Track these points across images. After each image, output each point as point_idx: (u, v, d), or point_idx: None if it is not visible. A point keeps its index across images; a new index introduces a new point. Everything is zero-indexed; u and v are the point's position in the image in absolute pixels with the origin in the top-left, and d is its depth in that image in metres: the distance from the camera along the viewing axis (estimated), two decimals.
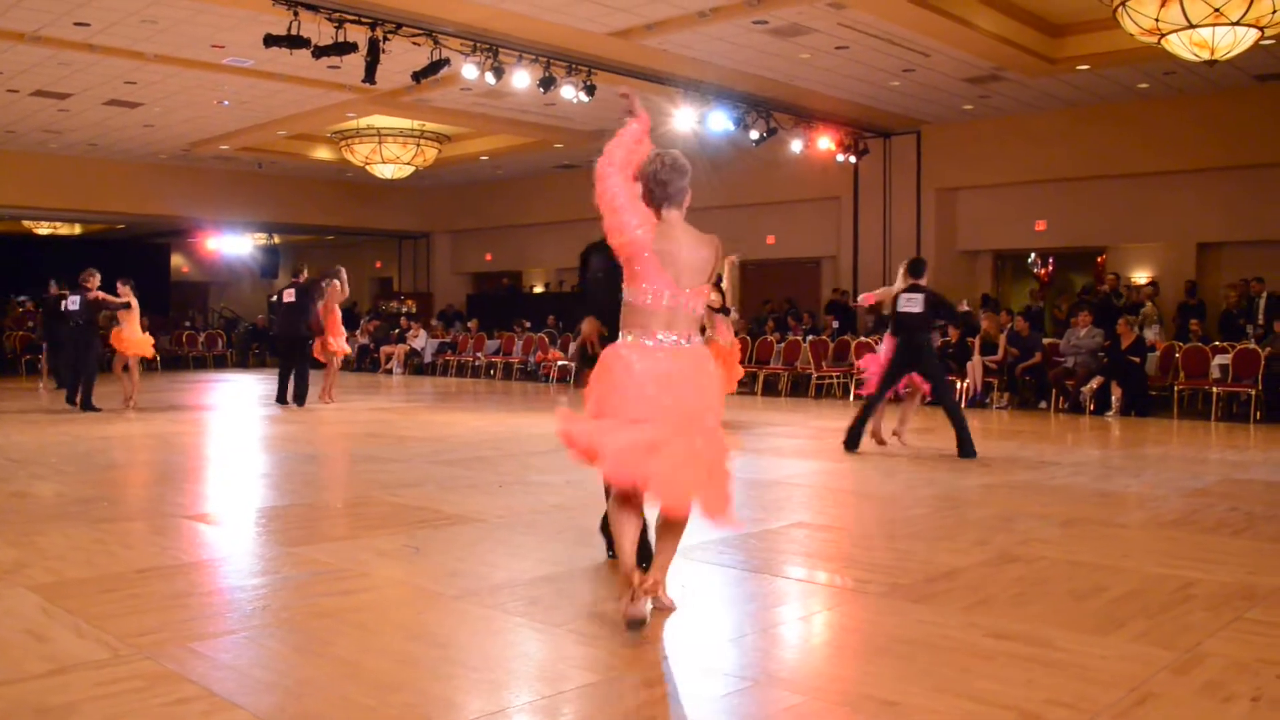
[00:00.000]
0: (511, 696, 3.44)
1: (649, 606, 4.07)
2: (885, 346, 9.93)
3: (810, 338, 17.62)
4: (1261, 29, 10.15)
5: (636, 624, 3.97)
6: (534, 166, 23.09)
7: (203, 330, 26.71)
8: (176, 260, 31.61)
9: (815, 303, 20.43)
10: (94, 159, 21.45)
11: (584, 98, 13.93)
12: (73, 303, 13.38)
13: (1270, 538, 5.97)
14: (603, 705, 3.39)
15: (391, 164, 20.31)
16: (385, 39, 12.04)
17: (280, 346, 14.85)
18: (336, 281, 14.35)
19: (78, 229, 28.64)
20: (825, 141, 17.41)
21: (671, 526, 4.13)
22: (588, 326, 4.99)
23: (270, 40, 11.45)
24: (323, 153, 21.88)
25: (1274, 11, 9.88)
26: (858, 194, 19.21)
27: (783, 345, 17.65)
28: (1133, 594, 4.64)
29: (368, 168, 20.60)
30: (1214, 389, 13.53)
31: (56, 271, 16.77)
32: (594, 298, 4.98)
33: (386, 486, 7.56)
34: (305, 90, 16.12)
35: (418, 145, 20.19)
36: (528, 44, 13.14)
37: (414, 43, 12.45)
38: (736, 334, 13.11)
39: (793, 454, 9.64)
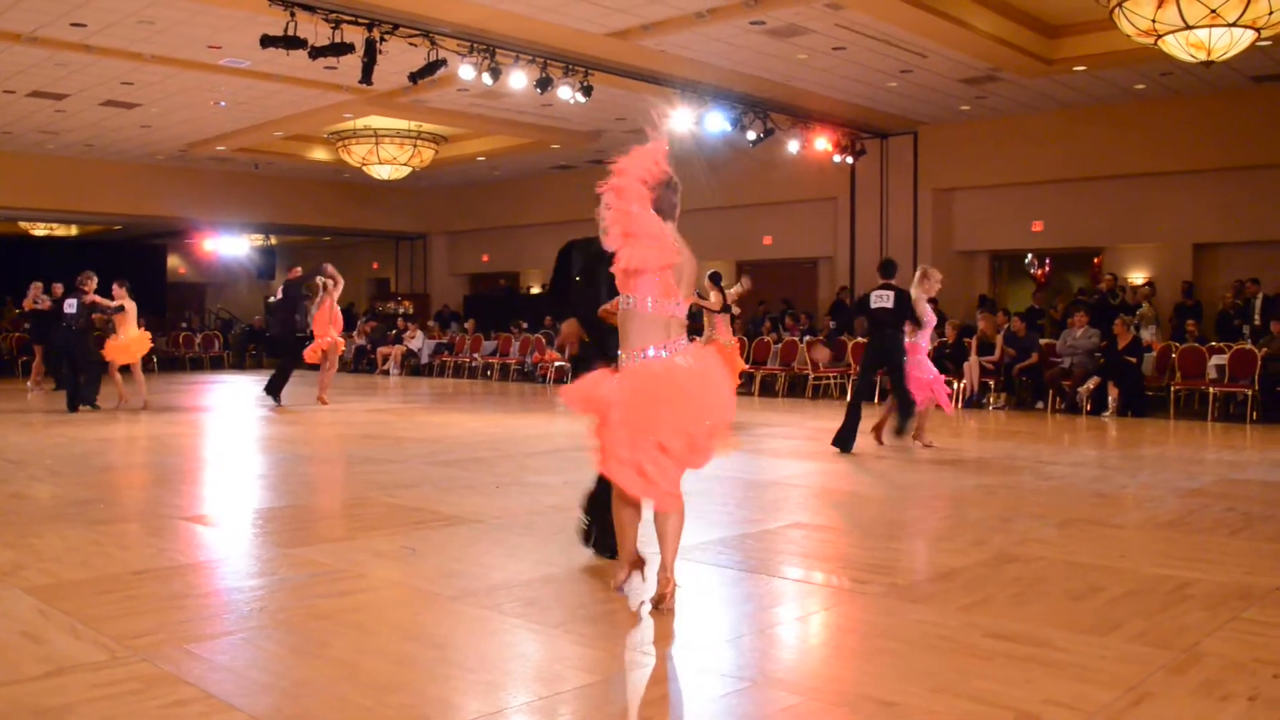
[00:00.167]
0: (509, 697, 3.44)
1: (630, 586, 4.57)
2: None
3: (808, 338, 17.62)
4: (1258, 30, 10.16)
5: (617, 588, 4.54)
6: (531, 167, 23.09)
7: (199, 331, 26.68)
8: (173, 261, 31.58)
9: (813, 303, 20.45)
10: (91, 160, 21.43)
11: (581, 98, 13.93)
12: (70, 305, 13.39)
13: (1267, 538, 5.97)
14: (600, 706, 3.39)
15: (388, 165, 20.29)
16: (382, 40, 12.03)
17: (274, 344, 15.04)
18: (326, 280, 14.34)
19: (74, 230, 28.61)
20: (822, 142, 17.42)
21: (666, 523, 4.34)
22: (568, 328, 5.10)
23: (267, 41, 11.44)
24: (319, 154, 21.87)
25: (1270, 13, 9.89)
26: (854, 195, 19.22)
27: (780, 346, 17.65)
28: (1130, 594, 4.64)
29: (364, 168, 20.59)
30: (1210, 389, 13.54)
31: (54, 273, 16.71)
32: (573, 300, 5.08)
33: (383, 487, 7.56)
34: (302, 91, 16.11)
35: (414, 146, 20.18)
36: (525, 44, 13.13)
37: (411, 43, 12.44)
38: (735, 333, 13.10)
39: (790, 455, 9.64)
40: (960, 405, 14.47)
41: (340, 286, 14.58)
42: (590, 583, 4.90)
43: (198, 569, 5.21)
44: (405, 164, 20.42)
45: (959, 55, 13.72)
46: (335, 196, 25.01)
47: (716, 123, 15.66)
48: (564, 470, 8.24)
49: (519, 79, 13.24)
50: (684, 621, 4.34)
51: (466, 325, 23.88)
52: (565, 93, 13.82)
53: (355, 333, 24.09)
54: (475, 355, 22.27)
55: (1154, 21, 10.14)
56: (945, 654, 3.80)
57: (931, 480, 8.20)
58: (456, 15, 12.17)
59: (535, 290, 26.25)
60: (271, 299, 15.47)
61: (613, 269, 4.28)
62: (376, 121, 19.13)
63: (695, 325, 11.85)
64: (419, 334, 23.66)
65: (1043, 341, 15.09)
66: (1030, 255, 18.00)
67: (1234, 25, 9.98)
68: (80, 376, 13.34)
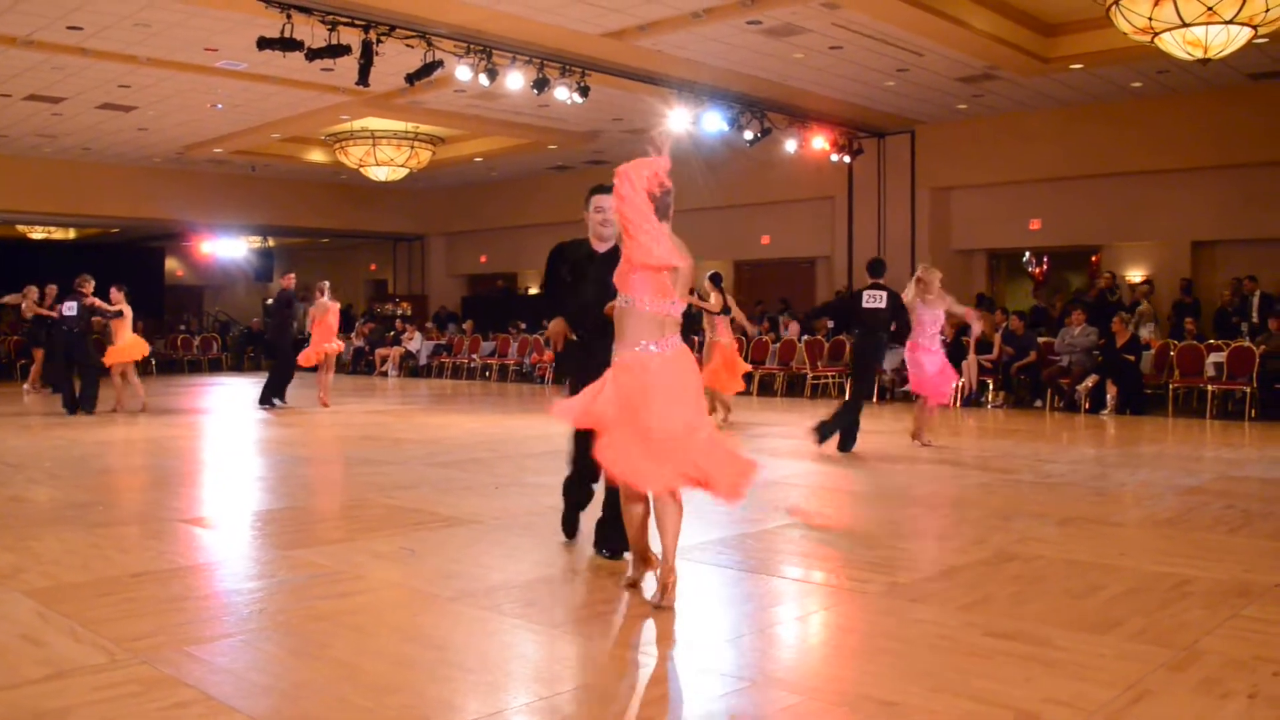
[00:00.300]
0: (509, 698, 3.43)
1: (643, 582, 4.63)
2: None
3: (805, 338, 17.63)
4: (1255, 27, 10.16)
5: (629, 586, 4.65)
6: (528, 168, 23.09)
7: (197, 334, 26.67)
8: (171, 264, 31.55)
9: (810, 303, 20.44)
10: (88, 163, 21.42)
11: (578, 99, 13.92)
12: (69, 309, 13.38)
13: (1266, 535, 5.98)
14: (600, 706, 3.39)
15: (385, 166, 20.28)
16: (378, 41, 12.03)
17: (269, 349, 15.23)
18: (319, 295, 14.38)
19: (72, 233, 28.61)
20: (819, 141, 17.42)
21: (667, 508, 4.43)
22: (555, 326, 5.26)
23: (263, 43, 11.43)
24: (317, 155, 21.86)
25: (1267, 10, 9.88)
26: (852, 194, 19.22)
27: (778, 345, 17.66)
28: (1130, 592, 4.65)
29: (362, 170, 20.58)
30: (1209, 387, 13.55)
31: (52, 276, 16.68)
32: (561, 300, 5.29)
33: (382, 489, 7.55)
34: (299, 93, 16.11)
35: (412, 147, 20.17)
36: (521, 45, 13.13)
37: (407, 45, 12.44)
38: (744, 334, 13.12)
39: (789, 454, 9.63)
40: (959, 404, 14.47)
41: (325, 302, 14.51)
42: (590, 583, 4.90)
43: (197, 571, 5.21)
44: (402, 165, 20.42)
45: (956, 54, 13.72)
46: (333, 198, 25.00)
47: (713, 122, 15.65)
48: (562, 471, 8.18)
49: (516, 80, 13.24)
50: (684, 621, 4.34)
51: (465, 326, 23.88)
52: (562, 93, 13.82)
53: (353, 334, 24.09)
54: (473, 356, 22.27)
55: (1151, 19, 10.14)
56: (945, 653, 3.80)
57: (931, 479, 8.20)
58: (453, 16, 12.17)
59: (534, 291, 26.24)
60: (269, 301, 15.50)
61: (619, 266, 4.41)
62: (374, 123, 19.13)
63: (694, 326, 11.82)
64: (417, 335, 23.66)
65: (1041, 340, 15.09)
66: (1028, 253, 18.02)
67: (1230, 23, 9.98)
68: (77, 379, 13.33)
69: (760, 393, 17.07)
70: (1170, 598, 4.54)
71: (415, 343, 23.45)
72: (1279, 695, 3.40)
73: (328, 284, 14.68)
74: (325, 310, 14.30)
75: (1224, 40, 10.27)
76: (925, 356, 9.93)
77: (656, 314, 4.39)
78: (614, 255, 4.80)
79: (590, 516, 5.81)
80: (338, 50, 11.58)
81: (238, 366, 25.66)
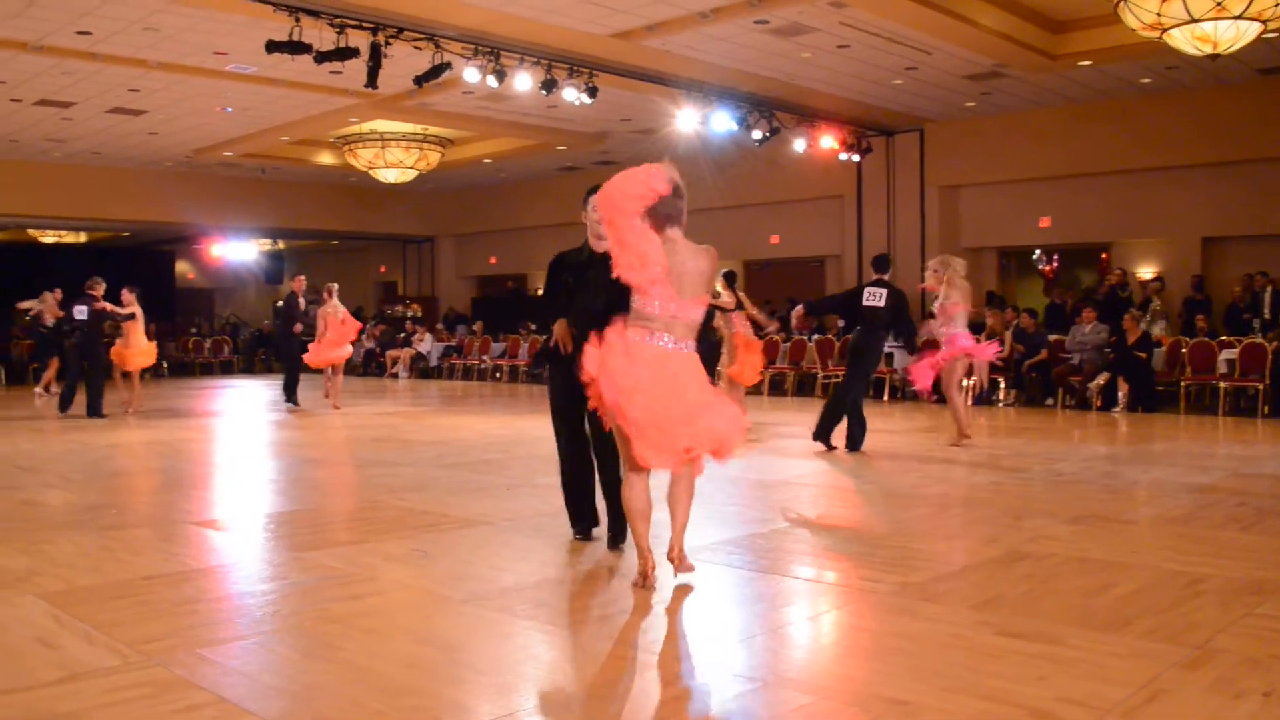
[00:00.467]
0: (521, 699, 3.44)
1: (655, 581, 4.69)
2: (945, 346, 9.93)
3: (816, 337, 17.61)
4: (1264, 22, 10.12)
5: (639, 585, 4.66)
6: (537, 169, 23.10)
7: (209, 337, 26.75)
8: (181, 267, 31.64)
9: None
10: (98, 167, 21.49)
11: (586, 100, 13.92)
12: (80, 312, 13.43)
13: (1279, 532, 5.95)
14: (612, 708, 3.39)
15: (395, 168, 20.31)
16: (387, 44, 12.05)
17: (277, 350, 15.41)
18: (328, 297, 14.43)
19: (83, 237, 28.70)
20: (828, 140, 17.39)
21: (679, 486, 4.74)
22: (560, 329, 5.41)
23: (272, 46, 11.45)
24: (326, 158, 21.90)
25: (1276, 5, 9.84)
26: (861, 193, 19.19)
27: (789, 345, 17.64)
28: (1142, 590, 4.63)
29: (371, 172, 20.62)
30: (1221, 384, 13.50)
31: (63, 280, 16.75)
32: (563, 304, 5.44)
33: (393, 491, 7.57)
34: (308, 96, 16.14)
35: (420, 149, 20.20)
36: (529, 47, 13.14)
37: (415, 47, 12.45)
38: (762, 334, 13.10)
39: (800, 454, 9.62)
40: (970, 401, 14.43)
41: (329, 305, 14.54)
42: (601, 584, 4.90)
43: (209, 574, 5.22)
44: (411, 167, 20.45)
45: (964, 52, 13.69)
46: (342, 200, 25.04)
47: (722, 122, 15.64)
48: None
49: (524, 81, 13.25)
50: (696, 622, 4.34)
51: (475, 328, 23.89)
52: (570, 94, 13.82)
53: (364, 336, 24.13)
54: (484, 357, 22.30)
55: (1159, 15, 10.10)
56: (957, 652, 3.79)
57: (941, 478, 8.19)
58: (461, 18, 12.18)
59: (543, 292, 26.20)
60: (279, 303, 15.58)
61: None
62: (382, 125, 19.16)
63: (707, 324, 11.72)
64: (427, 337, 23.70)
65: (1052, 337, 15.05)
66: (1038, 251, 17.97)
67: (1240, 18, 9.93)
68: (81, 381, 13.40)
69: (771, 392, 17.06)
70: (1183, 596, 4.53)
71: (425, 344, 23.48)
72: None
73: (336, 286, 14.72)
74: (333, 312, 14.33)
75: (1233, 35, 10.23)
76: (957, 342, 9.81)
77: (662, 316, 4.53)
78: (605, 256, 4.87)
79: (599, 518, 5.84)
80: (346, 53, 11.60)
81: (249, 369, 25.74)
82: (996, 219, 18.31)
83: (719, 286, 12.02)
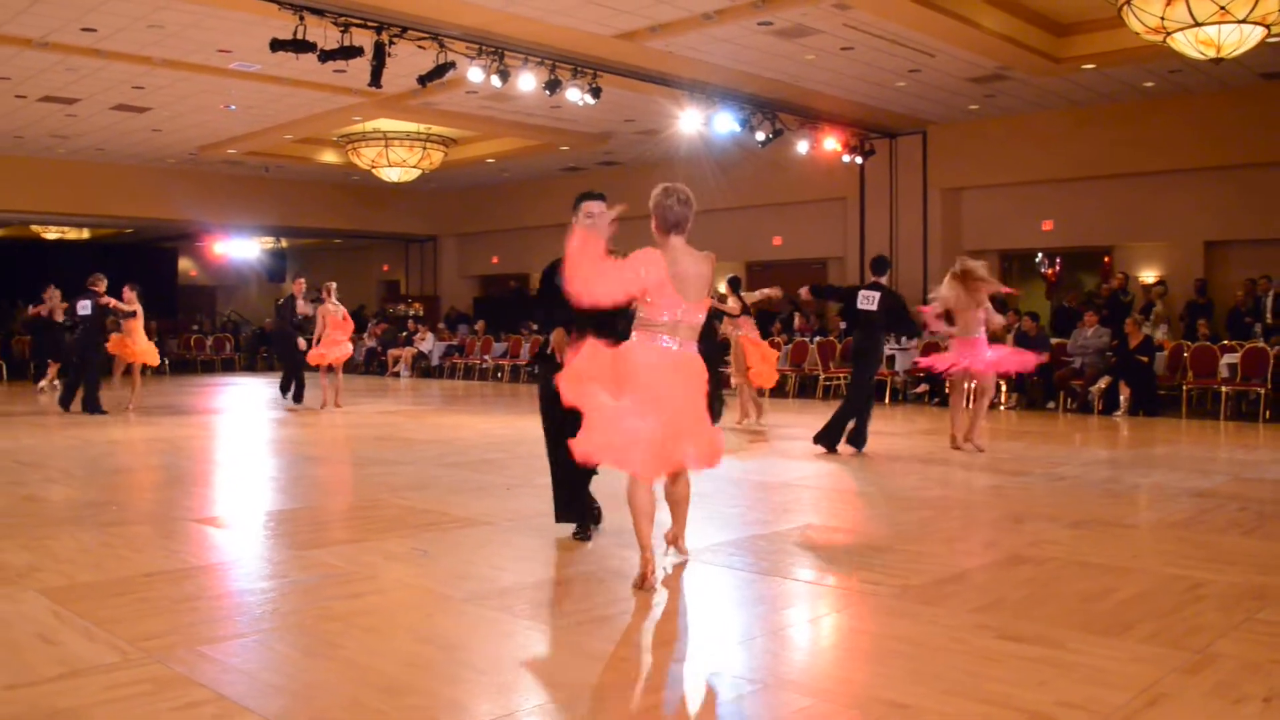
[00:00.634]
0: (520, 699, 3.44)
1: (657, 582, 4.76)
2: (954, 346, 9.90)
3: (817, 339, 17.61)
4: (1268, 27, 10.11)
5: (642, 588, 4.69)
6: (540, 169, 23.11)
7: (210, 334, 26.77)
8: (184, 264, 31.67)
9: (822, 304, 20.40)
10: (102, 164, 21.50)
11: (589, 100, 13.92)
12: (83, 307, 13.44)
13: None
14: (612, 708, 3.39)
15: (398, 167, 20.32)
16: (391, 43, 12.05)
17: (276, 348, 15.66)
18: (326, 296, 14.45)
19: (86, 233, 28.72)
20: (831, 142, 17.39)
21: (677, 486, 4.96)
22: (558, 338, 5.50)
23: (276, 45, 11.45)
24: (329, 156, 21.91)
25: None
26: (864, 195, 19.19)
27: (790, 346, 17.63)
28: (1143, 595, 4.63)
29: (374, 171, 20.63)
30: (1223, 388, 13.49)
31: (66, 276, 16.76)
32: (559, 313, 5.47)
33: (394, 489, 7.57)
34: (311, 94, 16.15)
35: (424, 148, 20.21)
36: (533, 47, 13.14)
37: (420, 46, 12.46)
38: (770, 336, 13.15)
39: (801, 456, 9.62)
40: (969, 405, 14.41)
41: (328, 304, 14.55)
42: (602, 584, 4.90)
43: (210, 571, 5.23)
44: (415, 166, 20.45)
45: (967, 54, 13.69)
46: (345, 199, 25.05)
47: (725, 124, 15.64)
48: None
49: (528, 81, 13.25)
50: (696, 623, 4.34)
51: (476, 327, 23.89)
52: (574, 94, 13.82)
53: (366, 335, 24.14)
54: (485, 357, 22.30)
55: (1163, 19, 10.10)
56: (958, 656, 3.79)
57: (942, 481, 8.19)
58: (465, 18, 12.18)
59: (538, 294, 26.16)
60: (280, 301, 15.60)
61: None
62: (386, 124, 19.17)
63: (710, 328, 11.66)
64: (429, 336, 23.70)
65: (1054, 341, 15.04)
66: (1041, 254, 17.95)
67: (1243, 22, 9.93)
68: (83, 377, 13.41)
69: (773, 394, 17.02)
70: (1184, 600, 4.53)
71: (427, 343, 23.49)
72: None
73: (334, 285, 14.71)
74: (333, 311, 14.32)
75: (1237, 40, 10.22)
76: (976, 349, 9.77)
77: (684, 321, 4.75)
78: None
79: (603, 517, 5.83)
80: (350, 52, 11.60)
81: (250, 367, 25.74)
82: (999, 222, 18.30)
83: (724, 291, 12.04)
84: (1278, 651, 3.84)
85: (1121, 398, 13.60)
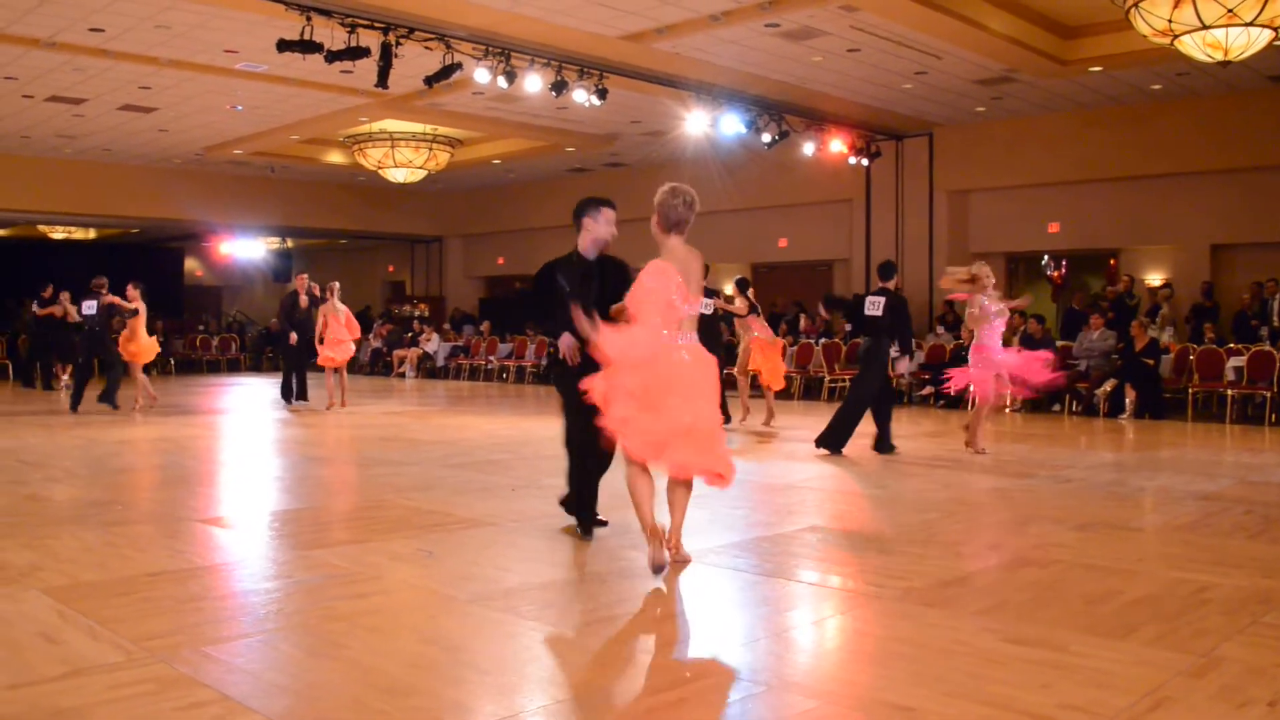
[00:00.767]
0: (524, 701, 3.43)
1: (668, 557, 4.95)
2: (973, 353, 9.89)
3: (823, 341, 17.59)
4: (1276, 30, 10.09)
5: (659, 569, 4.84)
6: (546, 170, 23.13)
7: (216, 334, 26.81)
8: (190, 264, 31.74)
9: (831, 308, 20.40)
10: (108, 164, 21.56)
11: (596, 101, 13.93)
12: (89, 307, 13.50)
13: None
14: (616, 710, 3.38)
15: (404, 168, 20.34)
16: (398, 44, 12.07)
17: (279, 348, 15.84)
18: (329, 296, 14.47)
19: (92, 233, 28.79)
20: (837, 144, 17.38)
21: (679, 489, 5.03)
22: (567, 344, 5.61)
23: (283, 45, 11.48)
24: (335, 157, 21.94)
25: None
26: (870, 196, 19.17)
27: (795, 348, 17.62)
28: (1148, 598, 4.62)
29: (380, 172, 20.65)
30: (1228, 391, 13.46)
31: (72, 276, 16.81)
32: (563, 315, 5.54)
33: (399, 490, 7.57)
34: (318, 95, 16.18)
35: (430, 149, 20.23)
36: (540, 48, 13.15)
37: (426, 47, 12.47)
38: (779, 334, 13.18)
39: (805, 458, 9.61)
40: (973, 407, 14.39)
41: (329, 300, 14.57)
42: (606, 585, 4.90)
43: (214, 571, 5.23)
44: (421, 167, 20.47)
45: (974, 56, 13.68)
46: (351, 200, 25.09)
47: (731, 125, 15.65)
48: None
49: (534, 82, 13.26)
50: (700, 625, 4.33)
51: (482, 328, 23.91)
52: (580, 96, 13.82)
53: (371, 336, 24.16)
54: (490, 358, 22.31)
55: (1170, 21, 10.09)
56: (961, 658, 3.78)
57: (947, 483, 8.17)
58: (472, 19, 12.19)
59: (535, 294, 26.11)
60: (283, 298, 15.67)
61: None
62: (392, 125, 19.19)
63: (714, 328, 11.60)
64: (434, 337, 23.72)
65: (1059, 344, 15.01)
66: (1047, 257, 17.93)
67: (1251, 25, 9.92)
68: (88, 378, 13.50)
69: (778, 396, 16.99)
70: (1189, 604, 4.51)
71: (433, 344, 23.51)
72: None
73: (337, 285, 14.70)
74: (333, 312, 14.33)
75: (1244, 43, 10.21)
76: (987, 355, 9.76)
77: (689, 314, 5.00)
78: (598, 263, 5.71)
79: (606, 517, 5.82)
80: (357, 52, 11.62)
81: (256, 367, 25.79)
82: (1005, 224, 18.28)
83: (731, 292, 12.03)
84: None
85: (1127, 400, 13.58)
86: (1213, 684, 3.52)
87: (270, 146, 20.28)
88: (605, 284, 5.65)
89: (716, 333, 11.91)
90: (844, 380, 16.69)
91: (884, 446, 9.75)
